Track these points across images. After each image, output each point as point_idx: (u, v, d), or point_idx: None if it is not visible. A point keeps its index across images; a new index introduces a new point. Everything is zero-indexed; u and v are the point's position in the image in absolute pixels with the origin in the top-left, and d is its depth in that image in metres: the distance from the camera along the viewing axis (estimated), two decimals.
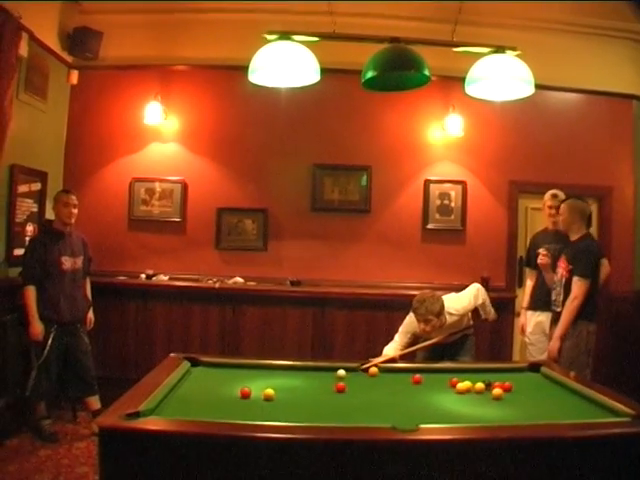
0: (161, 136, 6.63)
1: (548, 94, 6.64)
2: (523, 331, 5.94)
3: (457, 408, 3.21)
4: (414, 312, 4.48)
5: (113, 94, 6.65)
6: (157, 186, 6.61)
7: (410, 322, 4.69)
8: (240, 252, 6.62)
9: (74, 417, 5.64)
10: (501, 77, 3.82)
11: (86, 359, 5.40)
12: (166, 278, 6.41)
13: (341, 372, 3.79)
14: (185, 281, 6.39)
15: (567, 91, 6.80)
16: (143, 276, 6.36)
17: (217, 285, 6.25)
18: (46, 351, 5.09)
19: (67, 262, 5.27)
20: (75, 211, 5.34)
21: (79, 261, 5.41)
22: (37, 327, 5.05)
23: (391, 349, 4.56)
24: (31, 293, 5.07)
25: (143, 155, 6.65)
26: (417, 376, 3.76)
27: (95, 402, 5.39)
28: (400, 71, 3.84)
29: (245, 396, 3.22)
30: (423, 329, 4.45)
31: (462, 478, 2.51)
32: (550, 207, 5.69)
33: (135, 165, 6.62)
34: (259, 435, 2.53)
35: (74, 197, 5.35)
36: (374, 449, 2.54)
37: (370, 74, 3.75)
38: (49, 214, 6.04)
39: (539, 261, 5.35)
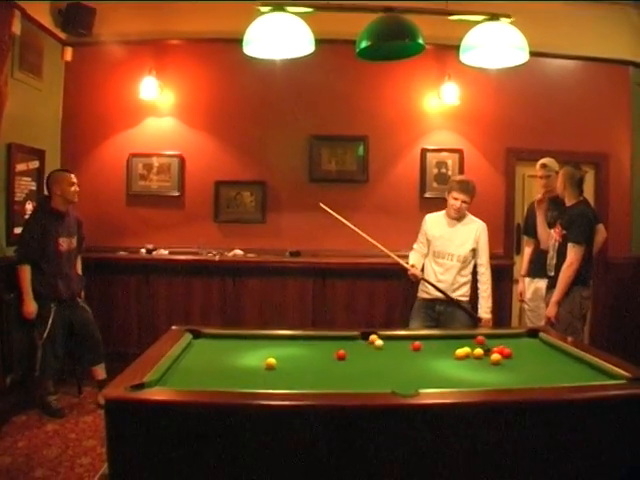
0: (157, 111, 6.63)
1: (544, 61, 6.64)
2: (522, 298, 5.99)
3: (456, 373, 3.25)
4: (454, 181, 5.20)
5: (108, 70, 6.63)
6: (155, 161, 6.63)
7: (422, 226, 5.35)
8: (239, 224, 6.65)
9: (79, 392, 5.71)
10: (495, 45, 3.82)
11: (92, 327, 5.49)
12: (166, 252, 6.45)
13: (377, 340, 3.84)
14: (185, 255, 6.42)
15: (563, 58, 6.78)
16: (143, 251, 6.41)
17: (217, 258, 6.29)
18: (47, 328, 5.14)
19: (64, 243, 5.30)
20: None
21: (74, 241, 5.45)
22: (30, 306, 5.09)
23: (414, 255, 5.29)
24: (26, 272, 5.09)
25: (140, 130, 6.66)
26: (417, 343, 3.78)
27: (101, 371, 5.48)
28: (394, 40, 3.84)
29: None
30: (456, 197, 5.07)
31: (462, 441, 2.54)
32: (541, 177, 5.70)
33: (132, 140, 6.64)
34: (262, 403, 2.56)
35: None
36: (374, 414, 2.58)
37: (364, 44, 3.74)
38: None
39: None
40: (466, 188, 5.07)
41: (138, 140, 6.65)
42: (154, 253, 6.41)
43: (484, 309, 5.10)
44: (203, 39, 6.52)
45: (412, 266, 5.13)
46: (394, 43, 3.88)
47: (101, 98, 6.63)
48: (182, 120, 6.67)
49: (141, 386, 2.62)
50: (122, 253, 6.41)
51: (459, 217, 5.16)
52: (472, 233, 5.13)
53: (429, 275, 5.15)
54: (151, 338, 3.92)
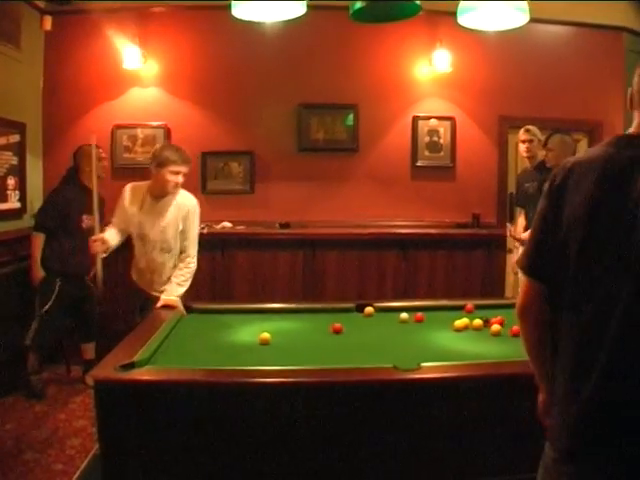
0: (141, 81, 6.44)
1: (537, 27, 6.49)
2: (513, 234, 5.91)
3: (456, 346, 3.19)
4: (170, 153, 4.32)
5: (90, 39, 6.39)
6: (139, 132, 6.46)
7: (122, 197, 4.52)
8: (227, 196, 6.51)
9: (68, 371, 5.63)
10: (495, 5, 3.70)
11: (90, 304, 5.43)
12: None
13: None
14: None
15: (557, 24, 6.66)
16: None
17: (205, 230, 6.16)
18: (50, 301, 5.05)
19: (87, 220, 5.13)
20: None
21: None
22: (38, 273, 5.05)
23: (110, 230, 4.45)
24: (39, 240, 5.08)
25: (123, 101, 6.47)
26: (419, 314, 3.72)
27: (91, 351, 5.41)
28: (389, 0, 3.71)
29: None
30: (177, 171, 4.26)
31: (466, 415, 2.50)
32: (523, 141, 5.62)
33: (116, 112, 6.44)
34: (258, 380, 2.49)
35: None
36: (377, 389, 2.52)
37: (359, 5, 3.61)
38: (30, 166, 5.92)
39: None
40: (187, 159, 4.36)
41: (122, 111, 6.46)
42: None
43: (168, 292, 4.13)
44: (188, 6, 6.32)
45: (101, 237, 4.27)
46: (389, 3, 3.74)
47: (83, 69, 6.42)
48: (167, 90, 6.49)
49: (131, 365, 2.52)
50: (108, 228, 6.25)
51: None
52: (179, 212, 4.36)
53: (138, 261, 4.49)
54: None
